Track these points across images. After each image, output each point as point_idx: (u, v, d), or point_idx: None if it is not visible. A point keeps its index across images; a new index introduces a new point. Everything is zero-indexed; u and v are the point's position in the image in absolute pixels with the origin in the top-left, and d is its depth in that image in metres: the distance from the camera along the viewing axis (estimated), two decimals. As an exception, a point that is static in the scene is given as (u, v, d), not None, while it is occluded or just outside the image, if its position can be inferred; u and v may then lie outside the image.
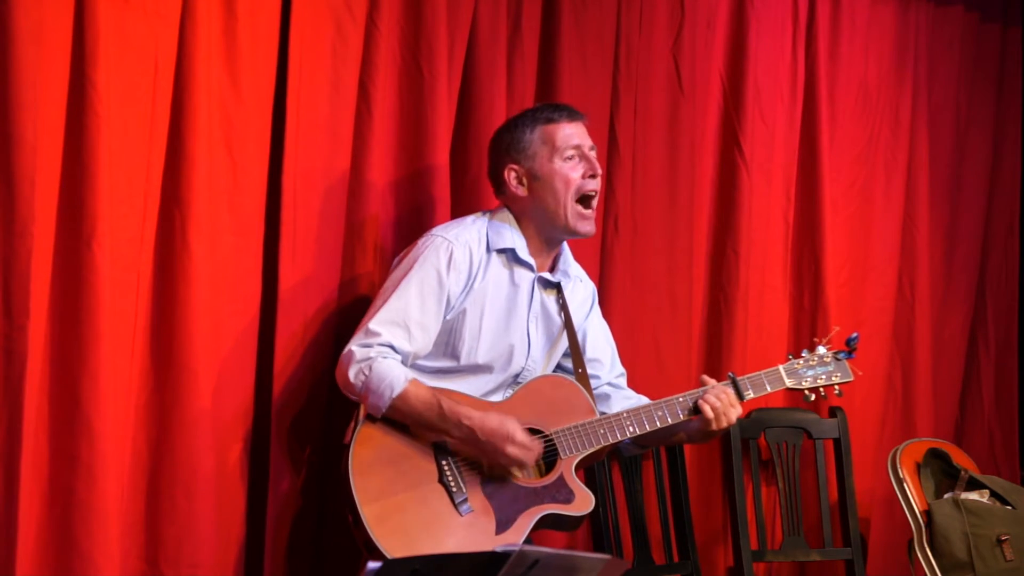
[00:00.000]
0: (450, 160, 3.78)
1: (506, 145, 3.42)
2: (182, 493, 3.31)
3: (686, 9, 4.24)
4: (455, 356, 3.32)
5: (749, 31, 4.36)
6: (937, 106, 4.84)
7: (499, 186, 3.44)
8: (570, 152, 3.37)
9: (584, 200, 3.38)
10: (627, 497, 4.07)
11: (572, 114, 3.43)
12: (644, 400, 3.50)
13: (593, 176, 3.38)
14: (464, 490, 3.20)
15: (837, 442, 4.38)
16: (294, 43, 3.48)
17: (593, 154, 3.40)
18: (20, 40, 3.05)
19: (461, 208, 3.77)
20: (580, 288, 3.54)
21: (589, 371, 3.47)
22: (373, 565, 2.35)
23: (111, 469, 3.19)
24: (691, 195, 4.26)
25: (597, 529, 3.96)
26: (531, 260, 3.39)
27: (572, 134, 3.38)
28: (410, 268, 3.30)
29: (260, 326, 3.48)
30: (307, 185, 3.53)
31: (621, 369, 3.59)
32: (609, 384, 3.52)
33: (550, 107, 3.46)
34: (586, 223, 3.38)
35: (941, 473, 4.42)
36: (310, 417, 3.54)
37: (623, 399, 3.51)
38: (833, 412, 4.39)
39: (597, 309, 3.60)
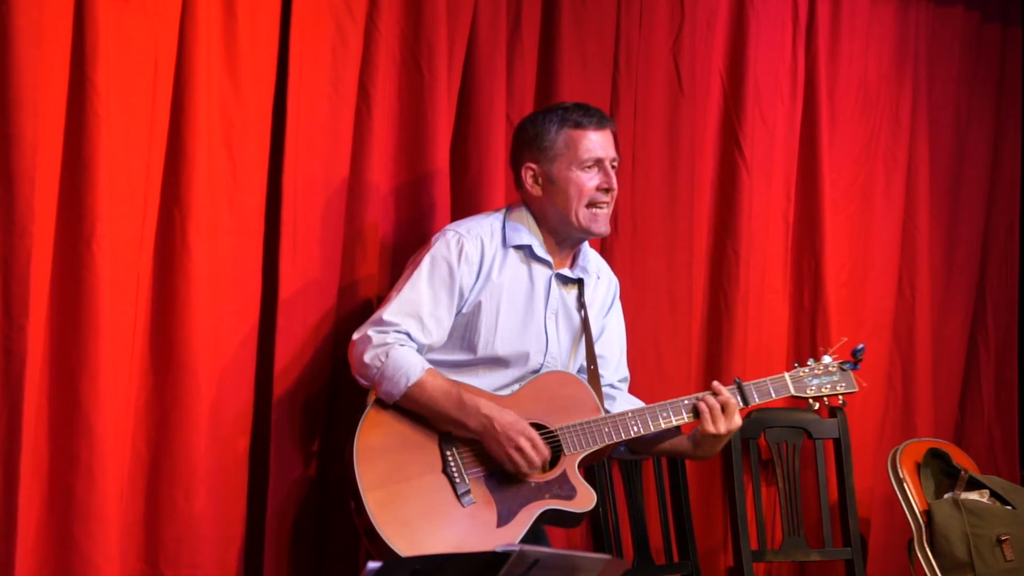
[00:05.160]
0: (450, 159, 3.78)
1: (529, 139, 3.39)
2: (182, 493, 3.31)
3: (686, 9, 4.24)
4: (472, 349, 3.32)
5: (749, 31, 4.36)
6: (937, 106, 4.85)
7: (518, 180, 3.43)
8: (590, 163, 3.34)
9: (595, 205, 3.35)
10: (627, 497, 4.07)
11: (602, 122, 3.37)
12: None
13: (607, 190, 3.35)
14: (467, 481, 3.21)
15: (837, 442, 4.38)
16: (294, 43, 3.48)
17: (614, 167, 3.37)
18: (20, 40, 3.05)
19: (461, 206, 3.77)
20: (602, 285, 3.53)
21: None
22: (373, 565, 2.35)
23: (111, 469, 3.19)
24: (691, 195, 4.26)
25: (597, 529, 3.96)
26: (548, 257, 3.38)
27: (596, 144, 3.34)
28: (421, 262, 3.31)
29: (260, 326, 3.48)
30: (307, 184, 3.52)
31: (625, 373, 3.58)
32: (611, 386, 3.52)
33: (580, 110, 3.38)
34: (599, 223, 3.36)
35: (941, 473, 4.42)
36: (310, 417, 3.54)
37: (625, 402, 3.50)
38: (833, 412, 4.38)
39: (617, 306, 3.58)
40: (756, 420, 4.32)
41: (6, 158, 3.06)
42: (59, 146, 3.15)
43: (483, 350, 3.32)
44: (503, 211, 3.44)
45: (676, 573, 4.12)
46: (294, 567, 3.51)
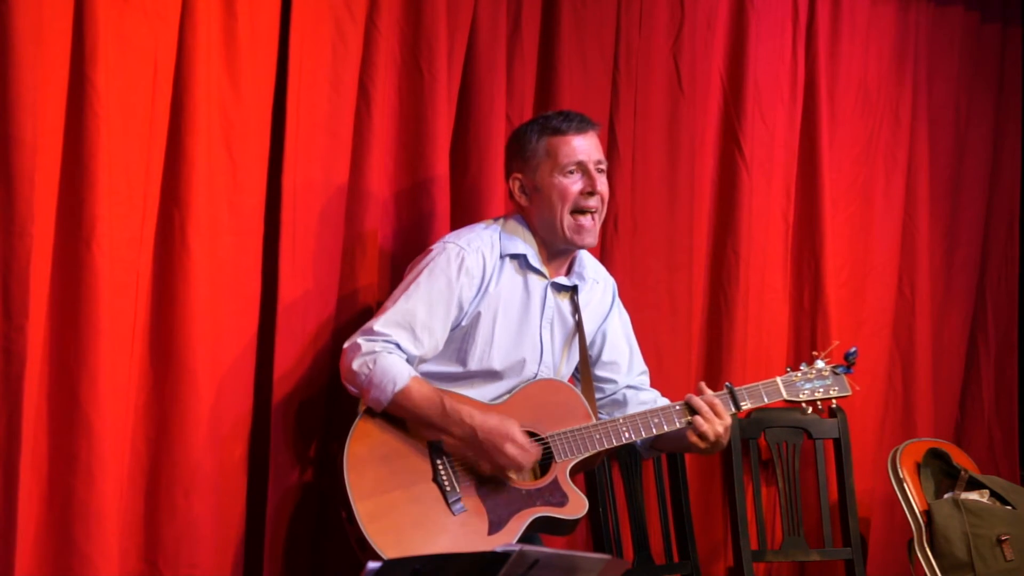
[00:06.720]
0: (450, 159, 3.78)
1: (514, 151, 3.41)
2: (181, 493, 3.31)
3: (686, 9, 4.24)
4: (463, 361, 3.32)
5: (749, 31, 4.36)
6: (937, 106, 4.84)
7: (510, 192, 3.43)
8: (572, 167, 3.33)
9: (580, 212, 3.33)
10: (627, 497, 4.07)
11: (581, 125, 3.36)
12: (663, 401, 3.48)
13: (591, 193, 3.33)
14: (458, 490, 3.21)
15: (837, 442, 4.38)
16: (294, 43, 3.48)
17: (600, 170, 3.36)
18: (20, 40, 3.05)
19: (461, 207, 3.77)
20: (598, 290, 3.52)
21: (608, 375, 3.49)
22: (373, 565, 2.35)
23: (110, 469, 3.19)
24: (691, 195, 4.26)
25: (597, 529, 3.96)
26: (543, 268, 3.38)
27: (577, 148, 3.33)
28: (419, 273, 3.30)
29: (260, 326, 3.48)
30: (307, 185, 3.52)
31: (643, 367, 3.57)
32: (628, 387, 3.51)
33: (560, 116, 3.38)
34: (584, 235, 3.34)
35: (941, 473, 4.42)
36: (310, 416, 3.54)
37: (638, 404, 3.49)
38: (833, 412, 4.38)
39: (618, 306, 3.57)
40: (756, 420, 4.32)
41: (6, 158, 3.06)
42: (59, 146, 3.15)
43: (478, 362, 3.31)
44: (500, 221, 3.43)
45: (676, 573, 4.12)
46: (293, 566, 3.51)
